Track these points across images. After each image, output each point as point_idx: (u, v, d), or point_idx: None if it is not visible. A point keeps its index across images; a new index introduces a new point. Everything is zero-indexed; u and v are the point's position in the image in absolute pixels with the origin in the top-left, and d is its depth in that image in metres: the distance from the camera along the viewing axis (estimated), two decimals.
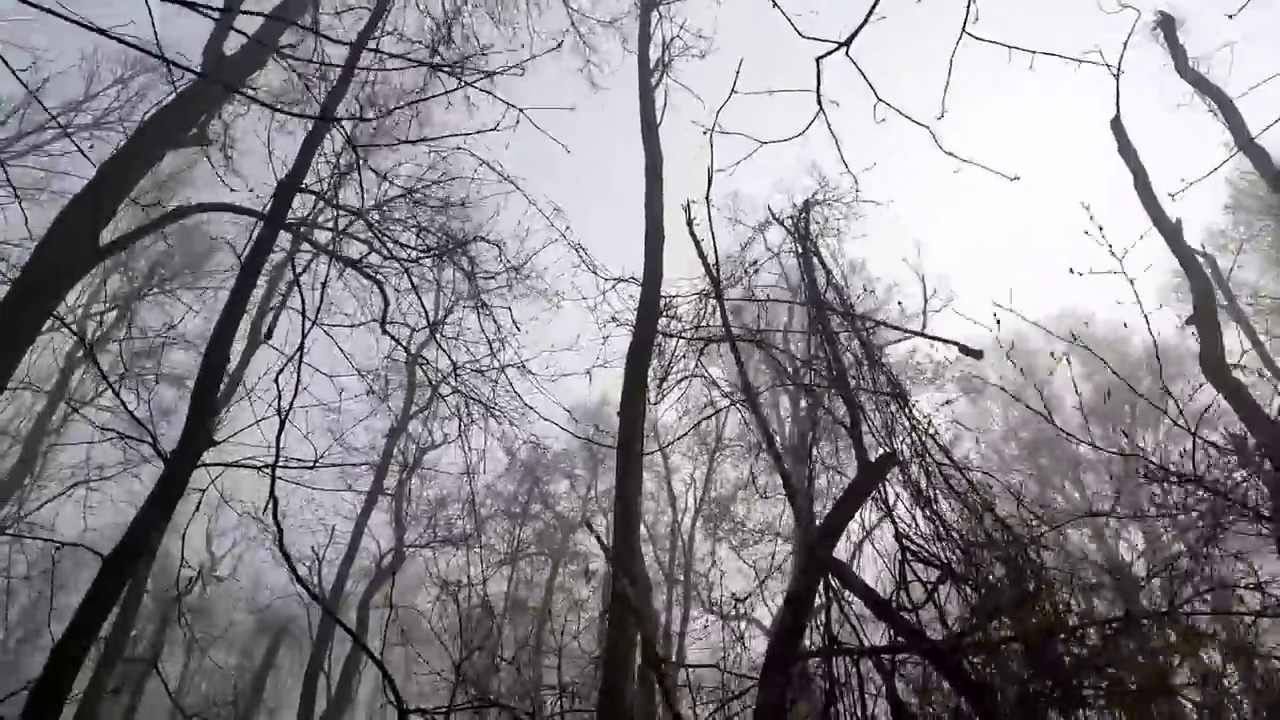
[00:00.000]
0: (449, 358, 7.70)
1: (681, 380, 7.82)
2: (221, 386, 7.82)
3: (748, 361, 6.42)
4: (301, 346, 4.58)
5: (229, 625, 25.01)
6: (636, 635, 5.05)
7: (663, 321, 7.59)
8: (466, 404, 10.45)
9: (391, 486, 20.81)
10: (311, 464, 5.37)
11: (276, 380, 4.52)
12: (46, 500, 18.46)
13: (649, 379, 7.13)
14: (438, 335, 7.69)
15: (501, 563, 25.76)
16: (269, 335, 8.12)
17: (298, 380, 4.50)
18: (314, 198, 10.47)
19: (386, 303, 9.47)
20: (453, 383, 9.19)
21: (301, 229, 8.35)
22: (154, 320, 21.54)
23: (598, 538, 6.02)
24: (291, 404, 4.40)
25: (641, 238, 8.22)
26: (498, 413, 8.22)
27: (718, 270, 6.40)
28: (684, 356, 7.37)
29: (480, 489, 25.46)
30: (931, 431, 5.66)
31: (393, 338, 9.93)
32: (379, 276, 9.28)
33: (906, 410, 5.79)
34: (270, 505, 4.12)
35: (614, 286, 7.81)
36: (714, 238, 6.25)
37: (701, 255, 6.43)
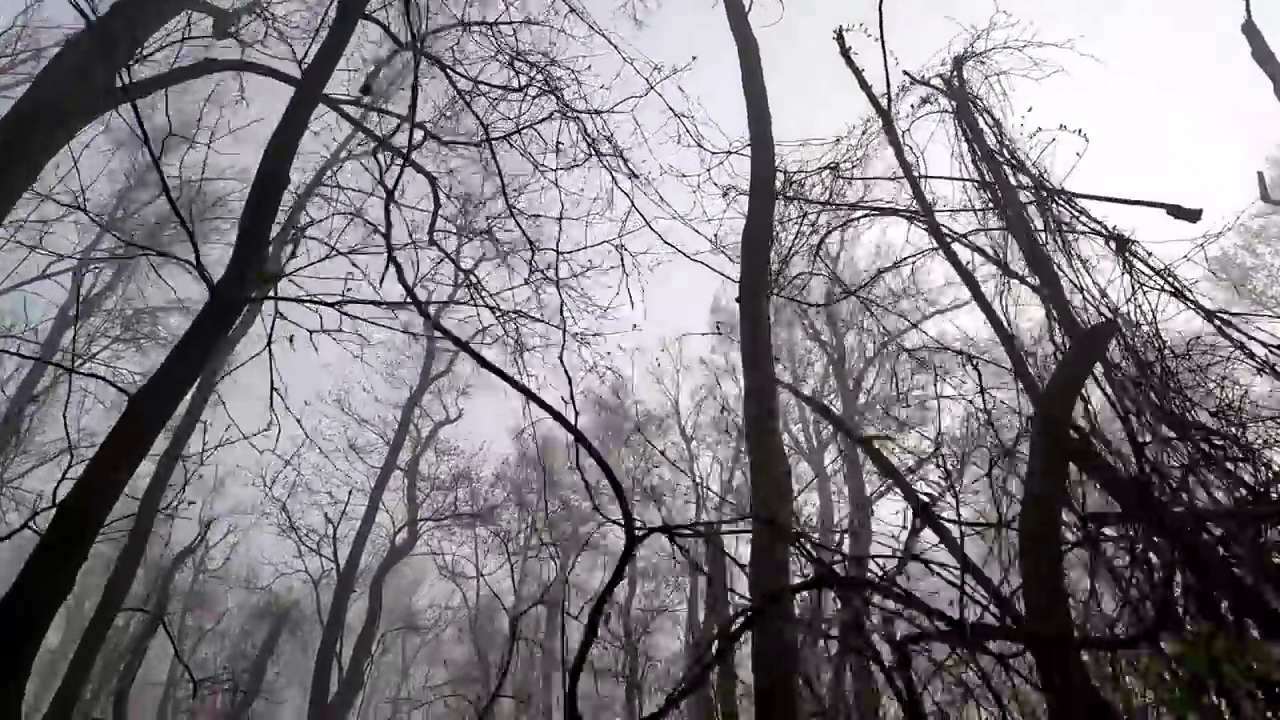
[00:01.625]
0: (527, 240, 6.48)
1: (798, 277, 6.67)
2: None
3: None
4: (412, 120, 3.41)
5: (224, 613, 23.47)
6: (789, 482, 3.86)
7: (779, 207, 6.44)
8: (518, 332, 9.25)
9: (405, 462, 19.52)
10: (386, 304, 4.18)
11: (376, 155, 3.35)
12: (33, 466, 17.06)
13: (770, 260, 5.97)
14: (514, 206, 6.46)
15: (513, 553, 24.44)
16: (367, 90, 6.87)
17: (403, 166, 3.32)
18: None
19: (438, 204, 8.23)
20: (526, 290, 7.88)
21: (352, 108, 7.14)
22: (150, 286, 20.20)
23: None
24: (399, 176, 3.21)
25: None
26: (582, 310, 6.95)
27: (888, 101, 5.25)
28: (811, 234, 6.20)
29: (489, 475, 24.07)
30: (1172, 285, 4.50)
31: (442, 249, 8.69)
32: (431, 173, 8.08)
33: (1126, 258, 4.63)
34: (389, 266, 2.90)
35: (723, 161, 6.64)
36: (885, 53, 5.10)
37: (864, 85, 5.29)
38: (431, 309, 20.10)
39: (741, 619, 2.56)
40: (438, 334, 22.14)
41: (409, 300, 4.44)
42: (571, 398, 3.20)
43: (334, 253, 5.20)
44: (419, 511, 18.67)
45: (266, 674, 17.05)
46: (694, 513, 26.01)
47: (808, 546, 2.97)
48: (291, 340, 4.74)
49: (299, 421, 5.47)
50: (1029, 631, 2.74)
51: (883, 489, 16.12)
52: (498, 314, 8.54)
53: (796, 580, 3.51)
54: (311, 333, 4.77)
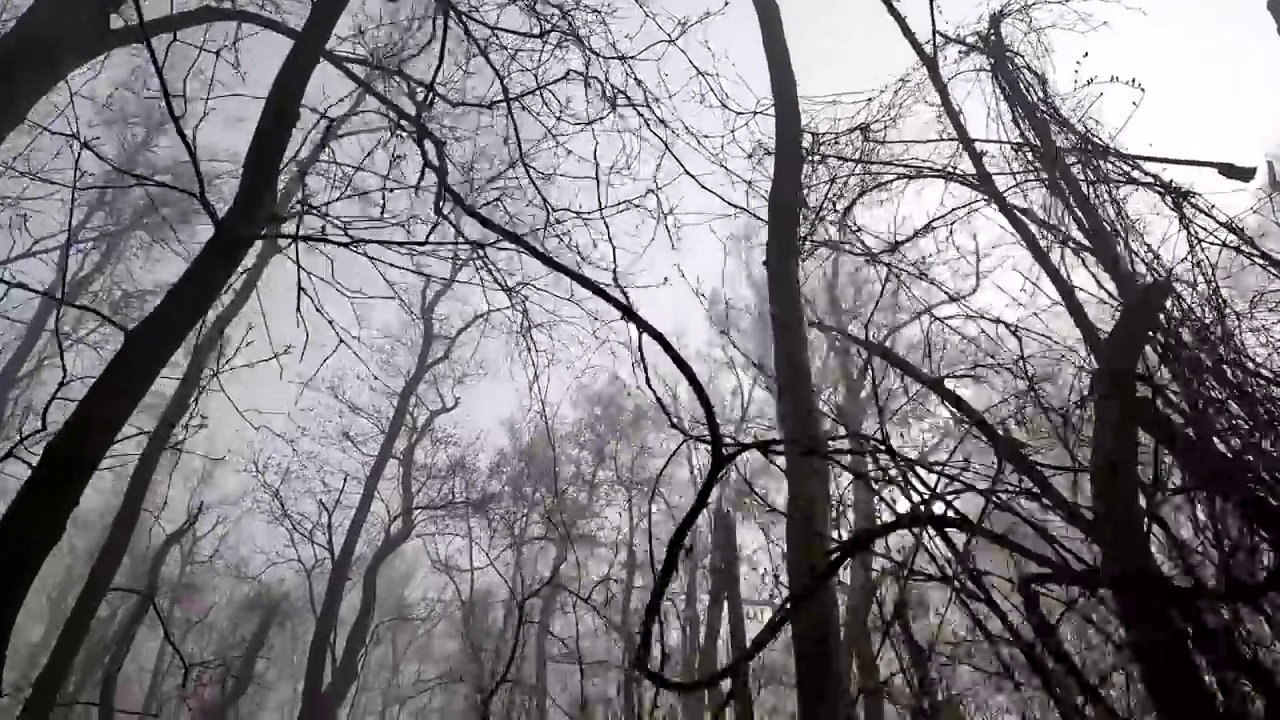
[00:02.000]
0: (544, 200, 6.20)
1: (817, 248, 6.41)
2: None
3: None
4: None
5: (212, 606, 23.02)
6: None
7: (806, 169, 6.18)
8: (526, 310, 8.94)
9: (401, 451, 19.15)
10: (421, 243, 3.87)
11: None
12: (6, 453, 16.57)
13: (799, 221, 5.72)
14: (530, 165, 6.16)
15: (509, 545, 24.16)
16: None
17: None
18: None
19: (445, 171, 7.90)
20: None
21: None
22: (139, 268, 19.74)
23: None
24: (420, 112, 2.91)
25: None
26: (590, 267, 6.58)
27: (934, 49, 5.00)
28: (839, 197, 5.95)
29: (485, 465, 23.76)
30: (1237, 238, 4.26)
31: (451, 222, 8.35)
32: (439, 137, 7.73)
33: (1184, 213, 4.39)
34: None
35: (748, 122, 6.37)
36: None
37: (908, 33, 5.03)
38: (432, 292, 19.74)
39: (818, 571, 2.29)
40: (433, 320, 21.77)
41: (424, 244, 4.13)
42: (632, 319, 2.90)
43: (339, 200, 4.92)
44: (414, 500, 18.32)
45: (256, 665, 16.66)
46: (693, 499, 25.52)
47: (910, 478, 2.71)
48: (324, 230, 4.37)
49: (332, 323, 5.14)
50: (1168, 582, 2.49)
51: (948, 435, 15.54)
52: (508, 288, 8.23)
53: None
54: (340, 238, 4.34)
